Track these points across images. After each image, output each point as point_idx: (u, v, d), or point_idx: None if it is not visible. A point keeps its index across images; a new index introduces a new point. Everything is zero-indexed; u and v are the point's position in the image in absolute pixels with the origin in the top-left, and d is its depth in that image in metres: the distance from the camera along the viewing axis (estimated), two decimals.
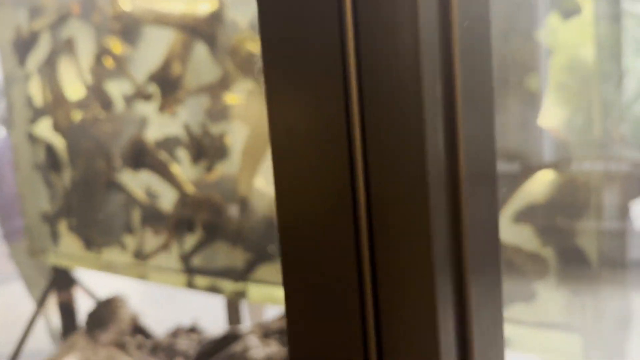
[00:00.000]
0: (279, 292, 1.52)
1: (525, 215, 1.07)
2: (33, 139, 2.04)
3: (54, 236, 2.08)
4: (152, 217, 1.71)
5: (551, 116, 0.97)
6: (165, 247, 1.69)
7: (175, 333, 1.96)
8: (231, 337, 1.76)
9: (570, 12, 0.94)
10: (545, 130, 0.97)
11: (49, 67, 1.88)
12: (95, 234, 1.89)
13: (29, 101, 2.03)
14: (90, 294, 2.38)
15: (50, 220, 2.07)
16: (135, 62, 1.66)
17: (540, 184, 1.04)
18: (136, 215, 1.76)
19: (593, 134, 0.95)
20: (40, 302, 2.21)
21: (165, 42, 1.57)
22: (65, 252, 2.05)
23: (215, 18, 1.36)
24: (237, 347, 1.72)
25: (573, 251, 0.99)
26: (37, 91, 1.99)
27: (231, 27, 1.41)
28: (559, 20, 0.96)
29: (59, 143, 1.94)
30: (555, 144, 1.00)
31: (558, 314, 1.02)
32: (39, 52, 1.93)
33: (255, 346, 1.71)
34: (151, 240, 1.73)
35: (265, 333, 1.78)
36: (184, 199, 1.57)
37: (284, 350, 1.67)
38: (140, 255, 1.76)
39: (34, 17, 1.90)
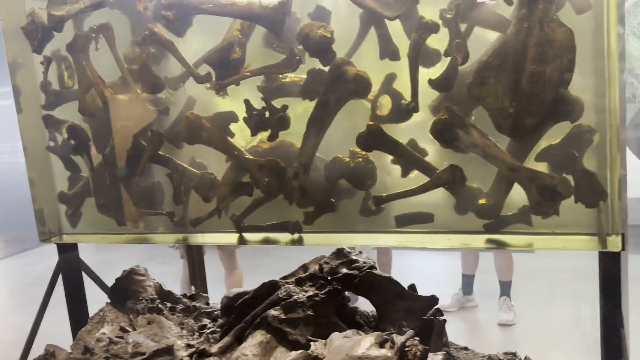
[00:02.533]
0: (334, 237, 1.84)
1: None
2: (50, 122, 2.10)
3: (74, 216, 2.16)
4: (202, 185, 1.91)
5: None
6: (217, 211, 1.91)
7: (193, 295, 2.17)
8: (272, 287, 2.03)
9: None
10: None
11: (77, 52, 1.97)
12: (133, 208, 2.03)
13: (44, 85, 2.08)
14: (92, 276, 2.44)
15: (70, 201, 2.14)
16: (182, 47, 1.84)
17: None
18: (184, 185, 1.95)
19: None
20: (50, 285, 2.26)
21: (214, 29, 1.80)
22: (91, 229, 2.15)
23: (284, 6, 1.63)
24: (281, 293, 2.00)
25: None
26: (56, 76, 2.06)
27: (293, 17, 1.69)
28: None
29: (88, 124, 2.04)
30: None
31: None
32: (61, 38, 2.00)
33: (296, 291, 2.00)
34: (201, 206, 1.94)
35: (298, 280, 2.07)
36: (244, 165, 1.82)
37: (319, 294, 1.98)
38: (190, 222, 1.96)
39: (54, 4, 1.96)
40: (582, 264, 5.07)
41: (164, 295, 2.21)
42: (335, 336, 1.71)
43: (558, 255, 5.14)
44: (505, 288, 4.04)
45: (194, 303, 2.26)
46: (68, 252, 2.26)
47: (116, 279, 2.19)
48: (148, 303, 2.11)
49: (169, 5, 1.74)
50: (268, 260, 5.84)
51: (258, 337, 1.91)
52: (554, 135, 1.51)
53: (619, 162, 1.43)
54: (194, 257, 2.92)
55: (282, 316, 1.92)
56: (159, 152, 1.93)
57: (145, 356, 1.73)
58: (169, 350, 1.74)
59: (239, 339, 1.97)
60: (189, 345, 1.92)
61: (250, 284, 2.11)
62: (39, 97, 2.12)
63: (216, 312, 2.17)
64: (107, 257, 6.09)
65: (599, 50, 1.42)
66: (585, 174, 1.47)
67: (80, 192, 2.11)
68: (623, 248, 1.44)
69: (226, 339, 1.97)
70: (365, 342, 1.10)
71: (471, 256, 4.19)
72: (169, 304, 2.17)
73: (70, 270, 2.27)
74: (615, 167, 1.45)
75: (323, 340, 1.72)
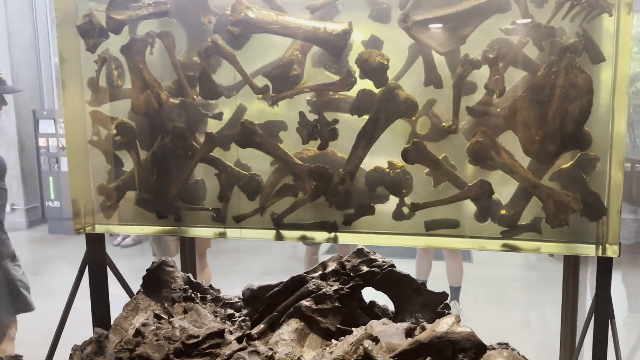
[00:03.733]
0: (370, 237, 2.09)
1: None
2: (97, 117, 2.21)
3: (111, 209, 2.27)
4: (249, 185, 2.11)
5: None
6: (261, 209, 2.11)
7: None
8: (301, 281, 2.25)
9: None
10: None
11: (133, 54, 2.11)
12: (179, 202, 2.18)
13: (93, 82, 2.19)
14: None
15: (110, 193, 2.26)
16: (242, 60, 2.04)
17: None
18: (230, 184, 2.13)
19: None
20: (79, 275, 2.35)
21: (272, 47, 2.02)
22: (127, 221, 2.27)
23: (347, 34, 1.88)
24: (310, 287, 2.23)
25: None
26: (105, 74, 2.18)
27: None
28: None
29: (136, 122, 2.17)
30: None
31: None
32: (113, 39, 2.13)
33: (324, 285, 2.23)
34: (242, 204, 2.13)
35: (322, 276, 2.30)
36: (293, 169, 2.03)
37: (344, 288, 2.22)
38: (234, 218, 2.14)
39: (115, 8, 2.09)
40: (510, 273, 5.68)
41: (194, 285, 2.37)
42: (374, 323, 1.96)
43: (491, 265, 5.74)
44: (455, 293, 4.51)
45: (218, 295, 2.43)
46: (96, 244, 2.36)
47: (147, 270, 2.33)
48: (183, 292, 2.27)
49: (236, 22, 1.93)
50: (228, 262, 6.02)
51: (293, 324, 2.12)
52: (565, 160, 1.85)
53: (618, 185, 1.78)
54: (186, 255, 3.07)
55: (314, 306, 2.14)
56: (210, 153, 2.11)
57: (199, 339, 1.89)
58: (220, 333, 1.91)
59: (272, 327, 2.17)
60: (229, 332, 2.10)
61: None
62: (84, 92, 2.23)
63: (239, 303, 2.35)
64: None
65: (608, 96, 1.77)
66: (590, 194, 1.82)
67: (123, 185, 2.23)
68: (619, 254, 1.79)
69: (261, 326, 2.16)
70: (448, 320, 1.35)
71: (425, 263, 4.61)
72: (199, 294, 2.33)
73: (97, 262, 2.37)
74: (614, 189, 1.80)
75: (363, 327, 1.96)
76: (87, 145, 2.27)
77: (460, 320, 1.36)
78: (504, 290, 5.11)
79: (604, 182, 1.82)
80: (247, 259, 6.28)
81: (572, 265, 2.25)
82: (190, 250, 2.99)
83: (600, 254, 1.82)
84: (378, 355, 1.38)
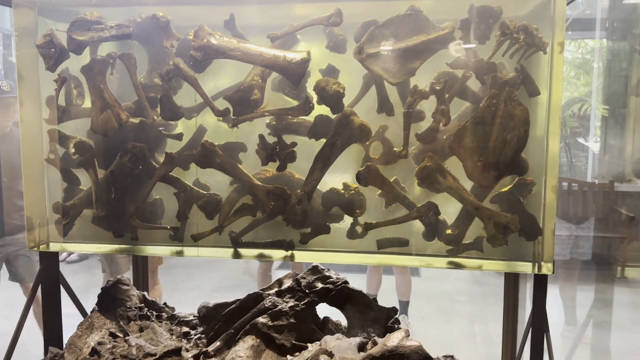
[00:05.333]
0: (325, 255, 2.18)
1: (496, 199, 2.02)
2: (54, 136, 2.21)
3: (67, 227, 2.27)
4: (208, 204, 2.16)
5: None
6: (219, 228, 2.17)
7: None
8: (257, 298, 2.31)
9: None
10: None
11: (94, 74, 2.14)
12: (136, 221, 2.21)
13: (51, 101, 2.20)
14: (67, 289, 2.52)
15: (66, 211, 2.25)
16: (203, 83, 2.11)
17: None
18: (189, 204, 2.18)
19: None
20: (32, 293, 2.32)
21: (233, 71, 2.10)
22: (83, 239, 2.27)
23: (305, 63, 1.98)
24: (266, 304, 2.29)
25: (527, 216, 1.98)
26: (64, 93, 2.20)
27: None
28: None
29: (95, 141, 2.19)
30: None
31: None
32: (78, 59, 2.16)
33: (280, 302, 2.30)
34: (204, 223, 2.18)
35: (278, 292, 2.37)
36: (252, 190, 2.10)
37: (299, 304, 2.30)
38: (192, 237, 2.18)
39: (77, 29, 2.12)
40: (455, 287, 5.92)
41: (149, 304, 2.39)
42: (328, 338, 2.05)
43: (438, 280, 5.97)
44: (404, 307, 4.67)
45: (174, 313, 2.45)
46: (50, 262, 2.35)
47: (102, 288, 2.33)
48: (138, 311, 2.28)
49: (199, 47, 2.00)
50: (179, 278, 5.98)
51: (249, 341, 2.18)
52: (505, 184, 2.01)
53: (552, 207, 1.95)
54: (139, 271, 3.07)
55: (270, 323, 2.21)
56: (170, 173, 2.15)
57: (156, 357, 1.92)
58: (177, 351, 1.95)
59: (228, 344, 2.22)
60: (185, 349, 2.13)
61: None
62: (42, 110, 2.23)
63: (194, 321, 2.39)
64: None
65: (543, 125, 1.95)
66: (526, 215, 1.98)
67: (79, 204, 2.24)
68: (553, 272, 1.96)
69: (217, 344, 2.21)
70: (398, 335, 1.45)
71: (375, 278, 4.75)
72: (154, 312, 2.35)
73: (51, 280, 2.35)
74: (548, 211, 1.97)
75: (317, 342, 2.04)
76: (43, 162, 2.26)
77: (409, 335, 1.47)
78: (450, 304, 5.33)
79: (540, 205, 1.99)
80: (198, 274, 6.25)
81: (512, 281, 2.42)
82: (143, 267, 3.00)
83: (536, 272, 1.98)
84: None
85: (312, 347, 1.84)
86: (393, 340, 1.44)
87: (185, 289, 5.54)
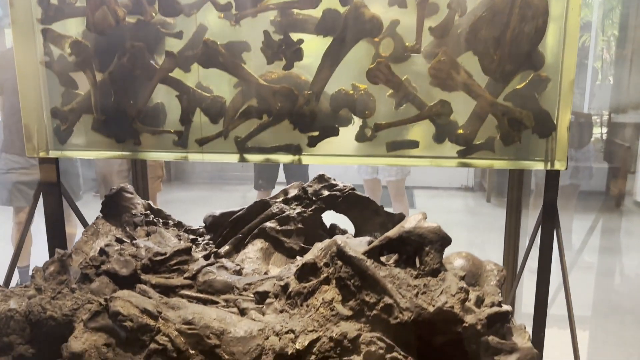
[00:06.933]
0: (333, 159, 2.13)
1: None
2: (49, 36, 2.11)
3: (66, 133, 2.20)
4: (212, 108, 2.09)
5: None
6: (225, 132, 2.11)
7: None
8: (264, 205, 2.28)
9: None
10: None
11: None
12: (138, 125, 2.14)
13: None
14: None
15: (65, 116, 2.18)
16: None
17: None
18: (192, 107, 2.11)
19: None
20: (34, 201, 2.28)
21: None
22: (83, 146, 2.21)
23: None
24: (274, 210, 2.27)
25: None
26: None
27: None
28: None
29: (92, 41, 2.09)
30: None
31: None
32: None
33: (287, 208, 2.28)
34: (208, 127, 2.12)
35: (285, 200, 2.34)
36: (257, 90, 2.03)
37: (306, 210, 2.27)
38: (197, 141, 2.13)
39: None
40: (451, 218, 5.96)
41: (155, 211, 2.35)
42: (339, 237, 2.03)
43: (433, 211, 6.00)
44: None
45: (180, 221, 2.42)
46: (51, 170, 2.29)
47: (106, 196, 2.29)
48: (144, 217, 2.25)
49: None
50: (176, 212, 5.97)
51: (258, 244, 2.17)
52: (519, 81, 1.95)
53: (568, 103, 1.90)
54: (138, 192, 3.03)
55: (278, 227, 2.20)
56: (170, 74, 2.07)
57: (166, 255, 1.90)
58: (187, 251, 1.92)
59: (237, 248, 2.21)
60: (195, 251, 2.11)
61: None
62: (34, 10, 2.12)
63: (201, 230, 2.36)
64: None
65: (560, 17, 1.87)
66: (541, 112, 1.94)
67: (78, 108, 2.16)
68: (566, 168, 1.93)
69: (226, 247, 2.20)
70: (415, 217, 1.43)
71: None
72: (161, 220, 2.32)
73: (52, 189, 2.30)
74: (563, 108, 1.92)
75: (327, 241, 2.03)
76: (38, 66, 2.16)
77: (427, 217, 1.44)
78: (447, 233, 5.36)
79: (555, 102, 1.94)
80: (195, 210, 6.24)
81: (516, 178, 2.41)
82: (143, 194, 2.94)
83: (549, 168, 1.95)
84: (351, 250, 1.44)
85: (328, 241, 1.82)
86: (411, 222, 1.42)
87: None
